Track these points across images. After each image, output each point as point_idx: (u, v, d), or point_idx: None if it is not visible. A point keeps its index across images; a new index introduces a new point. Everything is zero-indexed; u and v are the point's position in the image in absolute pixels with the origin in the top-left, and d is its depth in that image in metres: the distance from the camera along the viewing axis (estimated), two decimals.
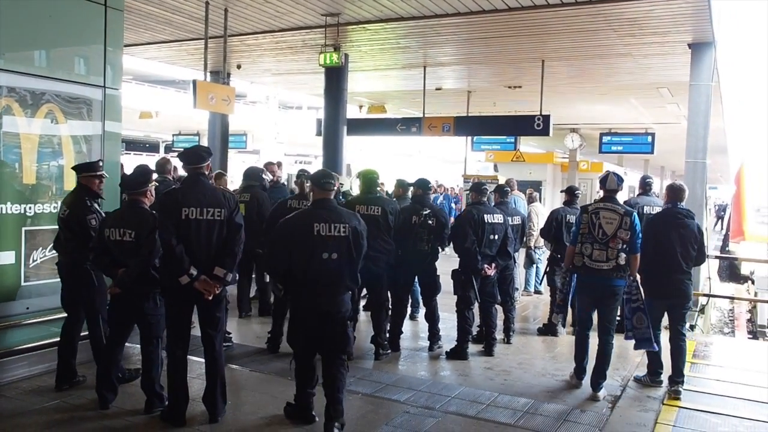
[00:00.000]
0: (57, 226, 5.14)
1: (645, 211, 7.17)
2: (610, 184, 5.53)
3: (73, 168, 5.19)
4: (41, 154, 5.45)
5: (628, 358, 6.56)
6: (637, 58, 11.13)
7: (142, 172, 4.85)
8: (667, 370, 5.69)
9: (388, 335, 6.53)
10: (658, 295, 5.54)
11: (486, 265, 6.39)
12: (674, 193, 5.65)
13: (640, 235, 5.40)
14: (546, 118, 11.96)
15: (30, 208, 5.35)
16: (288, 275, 4.30)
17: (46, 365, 5.33)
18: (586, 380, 5.60)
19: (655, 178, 8.00)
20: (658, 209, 6.75)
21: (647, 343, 5.49)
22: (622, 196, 5.89)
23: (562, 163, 24.38)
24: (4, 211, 5.16)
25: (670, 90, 13.81)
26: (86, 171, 5.06)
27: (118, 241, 4.58)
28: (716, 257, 14.14)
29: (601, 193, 5.66)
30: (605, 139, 16.74)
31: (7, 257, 5.22)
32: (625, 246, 5.27)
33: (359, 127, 14.27)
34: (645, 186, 7.63)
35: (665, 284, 5.50)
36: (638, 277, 5.44)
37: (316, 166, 30.90)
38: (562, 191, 8.09)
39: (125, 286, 4.56)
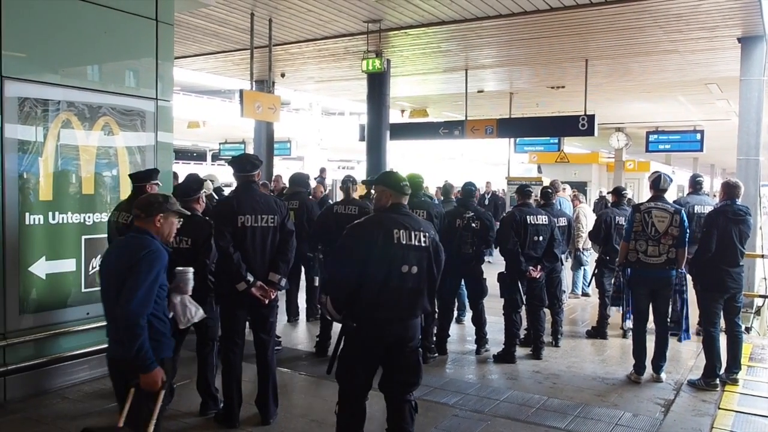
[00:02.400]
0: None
1: (696, 211, 7.06)
2: (663, 184, 5.84)
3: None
4: (98, 165, 5.66)
5: (681, 362, 6.44)
6: (685, 54, 10.91)
7: (195, 179, 4.99)
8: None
9: (434, 338, 6.55)
10: (717, 288, 5.68)
11: (531, 267, 6.37)
12: (731, 190, 5.79)
13: (687, 231, 5.72)
14: (591, 118, 11.83)
15: (89, 217, 5.57)
16: (356, 296, 3.51)
17: (106, 368, 5.47)
18: (646, 378, 5.81)
19: (705, 176, 7.83)
20: (709, 208, 6.66)
21: (684, 334, 5.86)
22: (670, 196, 6.02)
23: (607, 163, 23.99)
24: (65, 221, 5.39)
25: (719, 86, 13.48)
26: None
27: (175, 248, 4.72)
28: None
29: (650, 193, 5.94)
30: (652, 137, 16.43)
31: (69, 265, 5.45)
32: (674, 241, 5.63)
33: (402, 131, 14.35)
34: (695, 185, 7.49)
35: (725, 278, 5.64)
36: (685, 269, 5.84)
37: (359, 171, 31.11)
38: (608, 192, 8.00)
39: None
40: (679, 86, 13.95)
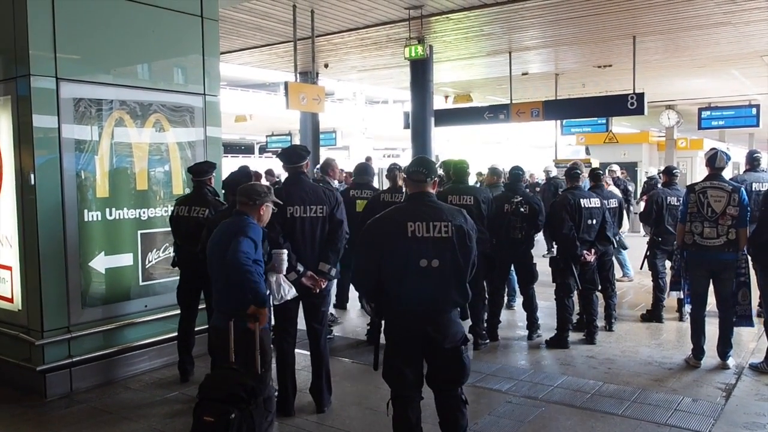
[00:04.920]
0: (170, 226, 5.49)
1: (754, 188, 6.81)
2: (719, 162, 5.57)
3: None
4: (151, 161, 5.80)
5: (741, 345, 6.24)
6: (738, 26, 10.51)
7: (245, 173, 5.07)
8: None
9: (486, 325, 6.53)
10: None
11: (585, 251, 6.27)
12: None
13: (749, 209, 5.47)
14: (640, 97, 11.54)
15: (144, 212, 5.72)
16: (379, 291, 3.42)
17: (164, 359, 5.70)
18: (705, 362, 5.64)
19: (763, 152, 7.48)
20: (767, 185, 6.42)
21: (747, 321, 5.52)
22: (726, 173, 5.77)
23: (658, 142, 23.33)
24: (121, 217, 5.55)
25: None
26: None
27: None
28: None
29: (707, 171, 5.68)
30: (705, 114, 15.94)
31: (127, 259, 5.61)
32: (734, 221, 5.36)
33: (447, 117, 14.28)
34: (753, 161, 7.21)
35: None
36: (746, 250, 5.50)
37: (405, 158, 31.05)
38: (659, 173, 7.78)
39: None
40: (732, 60, 13.46)
